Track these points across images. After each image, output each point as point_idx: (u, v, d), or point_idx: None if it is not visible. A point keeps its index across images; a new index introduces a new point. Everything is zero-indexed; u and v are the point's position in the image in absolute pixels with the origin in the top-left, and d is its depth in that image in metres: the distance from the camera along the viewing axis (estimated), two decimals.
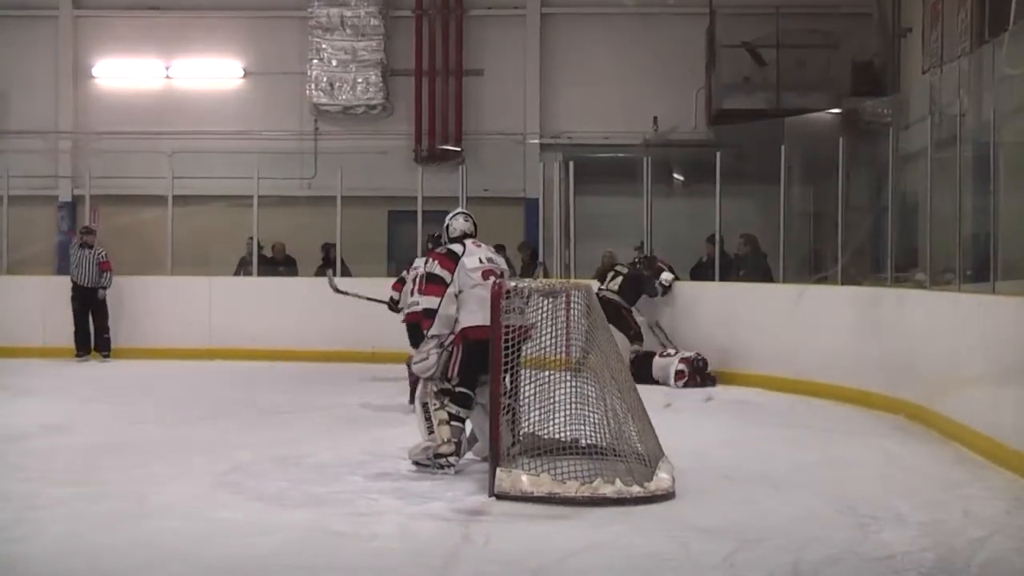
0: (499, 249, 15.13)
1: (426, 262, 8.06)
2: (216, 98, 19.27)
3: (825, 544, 5.84)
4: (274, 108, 19.09)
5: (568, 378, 7.48)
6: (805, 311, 12.19)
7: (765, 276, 13.84)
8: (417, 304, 7.95)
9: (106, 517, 6.33)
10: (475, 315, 7.55)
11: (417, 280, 8.17)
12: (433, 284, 7.68)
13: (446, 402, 7.55)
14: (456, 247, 7.83)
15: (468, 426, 7.80)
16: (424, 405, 7.66)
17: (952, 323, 9.22)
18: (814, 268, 14.25)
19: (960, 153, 9.68)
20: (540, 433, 7.33)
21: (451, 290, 7.61)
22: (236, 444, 8.60)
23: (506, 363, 7.11)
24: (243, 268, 16.68)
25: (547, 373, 7.58)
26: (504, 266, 7.94)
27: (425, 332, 7.72)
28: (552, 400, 7.37)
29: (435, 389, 7.64)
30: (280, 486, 7.13)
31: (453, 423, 7.53)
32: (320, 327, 15.27)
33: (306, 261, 16.99)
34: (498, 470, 6.79)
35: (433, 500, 6.76)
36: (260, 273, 16.22)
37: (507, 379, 7.29)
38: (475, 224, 8.05)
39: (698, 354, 12.89)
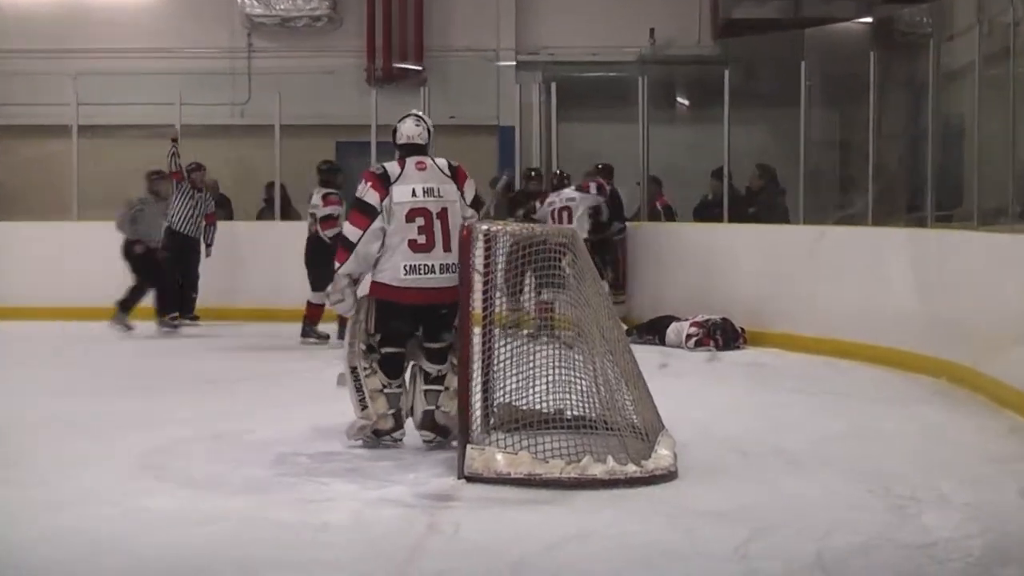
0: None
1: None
2: (130, 9, 19.09)
3: (854, 530, 5.85)
4: (199, 21, 18.91)
5: (552, 341, 7.50)
6: (830, 257, 12.19)
7: (782, 215, 13.87)
8: None
9: (10, 509, 6.30)
10: (384, 268, 7.46)
11: None
12: (359, 213, 7.46)
13: (375, 366, 7.54)
14: (392, 168, 7.54)
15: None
16: (353, 370, 7.57)
17: (1004, 270, 9.26)
18: (840, 206, 14.29)
19: (1013, 69, 9.70)
20: (518, 403, 7.32)
21: (378, 223, 7.38)
22: (162, 420, 8.58)
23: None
24: None
25: (524, 333, 7.60)
26: (453, 196, 7.50)
27: (336, 265, 7.56)
28: (532, 364, 7.35)
29: (363, 347, 7.58)
30: (215, 468, 7.13)
31: (387, 391, 7.54)
32: (260, 279, 15.24)
33: (243, 203, 16.91)
34: (468, 447, 6.78)
35: (393, 484, 6.76)
36: None
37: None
38: (429, 131, 7.73)
39: (721, 318, 12.74)
